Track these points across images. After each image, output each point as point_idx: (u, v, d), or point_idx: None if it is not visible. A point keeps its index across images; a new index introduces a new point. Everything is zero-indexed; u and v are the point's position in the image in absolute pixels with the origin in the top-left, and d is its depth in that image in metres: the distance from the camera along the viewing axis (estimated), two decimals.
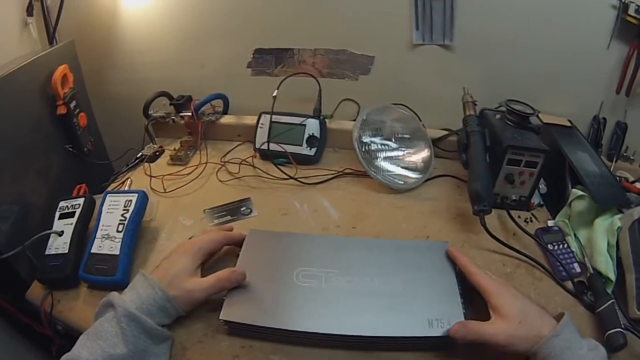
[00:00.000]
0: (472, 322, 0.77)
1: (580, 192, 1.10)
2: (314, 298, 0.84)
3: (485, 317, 0.78)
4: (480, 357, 0.80)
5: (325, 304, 0.83)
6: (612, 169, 1.27)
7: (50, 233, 0.96)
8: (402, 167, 1.28)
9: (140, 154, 1.40)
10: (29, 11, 1.31)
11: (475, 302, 0.85)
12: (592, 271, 0.97)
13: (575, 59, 1.36)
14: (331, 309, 0.82)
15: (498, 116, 1.23)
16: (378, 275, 0.88)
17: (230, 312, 0.81)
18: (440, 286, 0.87)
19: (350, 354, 0.81)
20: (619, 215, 1.04)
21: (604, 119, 1.42)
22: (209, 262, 0.95)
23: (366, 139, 1.29)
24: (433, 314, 0.81)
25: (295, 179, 1.26)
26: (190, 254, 0.86)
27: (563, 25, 1.31)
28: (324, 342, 0.81)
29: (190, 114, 1.39)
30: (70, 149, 1.27)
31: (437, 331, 0.78)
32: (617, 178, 1.21)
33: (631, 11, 1.24)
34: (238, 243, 0.97)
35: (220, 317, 0.80)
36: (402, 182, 1.25)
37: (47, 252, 0.94)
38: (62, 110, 1.20)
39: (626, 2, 1.24)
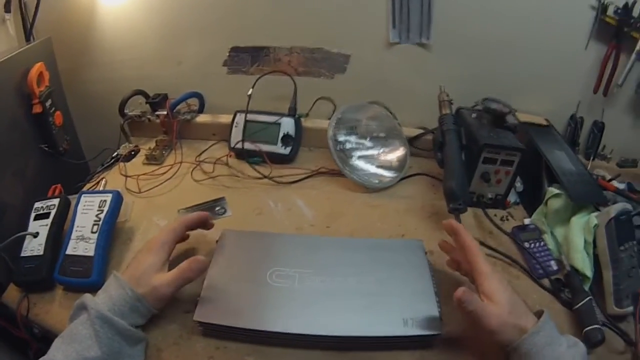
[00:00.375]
0: (476, 296, 0.76)
1: (557, 191, 1.11)
2: (288, 298, 0.84)
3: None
4: (454, 355, 0.81)
5: (300, 304, 0.83)
6: (589, 168, 1.28)
7: (25, 235, 0.95)
8: (377, 166, 1.28)
9: (115, 153, 1.38)
10: (7, 7, 1.29)
11: (450, 301, 0.84)
12: (569, 268, 0.98)
13: (553, 58, 1.36)
14: (305, 309, 0.82)
15: (474, 115, 1.24)
16: (352, 274, 0.88)
17: (204, 313, 0.81)
18: (415, 285, 0.87)
19: (326, 354, 0.81)
20: (595, 213, 1.04)
21: (581, 118, 1.43)
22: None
23: (341, 138, 1.29)
24: (408, 312, 0.81)
25: (270, 179, 1.26)
26: (154, 250, 0.85)
27: (541, 25, 1.32)
28: (299, 343, 0.81)
29: (165, 112, 1.38)
30: (46, 149, 1.25)
31: (411, 330, 0.79)
32: (594, 176, 1.22)
33: (610, 12, 1.25)
34: (199, 223, 0.97)
35: (194, 318, 0.80)
36: (377, 181, 1.25)
37: (22, 254, 0.93)
38: (37, 109, 1.19)
39: (605, 3, 1.25)
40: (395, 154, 1.30)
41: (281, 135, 1.34)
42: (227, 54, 1.48)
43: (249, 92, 1.29)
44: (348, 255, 0.93)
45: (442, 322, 0.81)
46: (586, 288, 0.95)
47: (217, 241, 0.97)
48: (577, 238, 1.02)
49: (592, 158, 1.42)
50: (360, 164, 1.27)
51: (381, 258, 0.92)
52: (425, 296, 0.85)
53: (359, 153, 1.28)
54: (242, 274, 0.89)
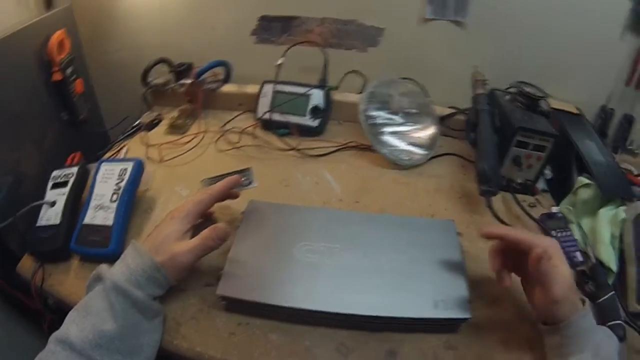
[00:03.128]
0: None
1: (587, 181, 1.08)
2: (316, 274, 0.82)
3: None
4: (480, 341, 0.79)
5: (328, 281, 0.80)
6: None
7: (42, 204, 0.94)
8: (408, 143, 1.25)
9: (137, 122, 1.37)
10: None
11: (480, 286, 0.85)
12: (594, 261, 0.96)
13: (588, 46, 1.33)
14: (334, 287, 0.80)
15: (508, 97, 1.22)
16: (384, 252, 0.86)
17: (228, 287, 0.79)
18: (447, 266, 0.85)
19: (352, 334, 0.79)
20: (623, 207, 1.02)
21: (612, 109, 1.40)
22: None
23: (372, 112, 1.26)
24: (438, 294, 0.79)
25: (298, 150, 1.25)
26: (177, 218, 0.83)
27: (578, 11, 1.28)
28: (326, 321, 0.79)
29: (190, 81, 1.36)
30: (66, 117, 1.26)
31: (442, 313, 0.77)
32: (622, 170, 1.20)
33: None
34: (228, 193, 0.95)
35: (217, 292, 0.78)
36: (407, 158, 1.23)
37: (38, 224, 0.92)
38: (57, 76, 1.19)
39: None
40: (426, 132, 1.28)
41: (310, 107, 1.32)
42: (256, 23, 1.45)
43: (279, 62, 1.28)
44: (379, 232, 0.91)
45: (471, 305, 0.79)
46: (610, 282, 0.92)
47: (242, 212, 0.95)
48: (604, 230, 1.00)
49: (619, 151, 1.39)
50: (391, 139, 1.25)
51: (413, 237, 0.90)
52: (456, 278, 0.82)
53: (389, 129, 1.26)
54: (269, 247, 0.87)
